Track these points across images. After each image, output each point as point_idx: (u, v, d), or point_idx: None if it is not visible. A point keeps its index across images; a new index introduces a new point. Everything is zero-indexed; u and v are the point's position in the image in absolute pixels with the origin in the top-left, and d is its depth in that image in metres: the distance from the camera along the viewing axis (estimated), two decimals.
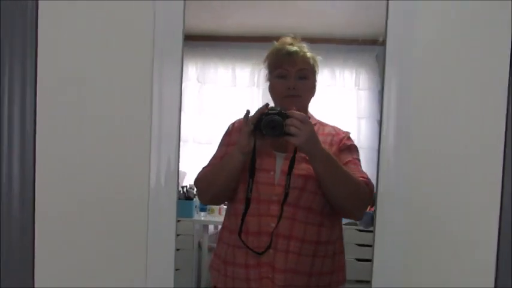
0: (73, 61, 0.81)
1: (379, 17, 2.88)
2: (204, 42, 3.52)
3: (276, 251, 1.20)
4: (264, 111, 1.20)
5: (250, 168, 1.23)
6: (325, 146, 1.27)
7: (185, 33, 3.76)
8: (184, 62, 3.52)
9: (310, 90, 1.40)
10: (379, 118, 3.58)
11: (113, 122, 0.84)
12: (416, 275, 0.80)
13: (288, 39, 1.39)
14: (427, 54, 0.84)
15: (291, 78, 1.33)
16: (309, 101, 1.41)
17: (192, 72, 3.59)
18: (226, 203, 1.46)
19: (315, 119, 1.43)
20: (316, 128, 1.28)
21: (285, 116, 1.17)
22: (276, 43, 1.41)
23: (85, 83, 0.80)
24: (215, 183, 1.33)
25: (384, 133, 0.90)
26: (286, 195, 1.22)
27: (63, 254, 0.84)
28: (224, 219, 1.38)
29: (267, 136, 1.19)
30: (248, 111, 1.23)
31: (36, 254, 0.80)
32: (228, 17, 3.16)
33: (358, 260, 2.95)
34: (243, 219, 1.22)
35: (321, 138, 1.25)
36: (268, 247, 1.19)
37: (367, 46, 3.59)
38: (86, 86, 0.80)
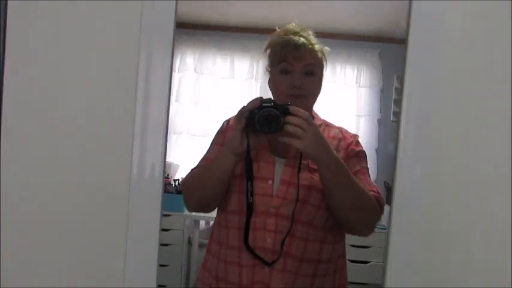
0: (49, 42, 0.72)
1: (386, 12, 2.80)
2: (202, 31, 3.44)
3: (272, 269, 1.05)
4: (257, 104, 1.01)
5: (247, 170, 1.05)
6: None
7: (183, 21, 3.64)
8: (182, 51, 3.45)
9: (317, 88, 1.17)
10: (379, 117, 3.51)
11: (93, 111, 0.75)
12: (431, 276, 0.74)
13: (294, 27, 1.17)
14: (451, 54, 0.76)
15: (296, 74, 1.11)
16: (315, 101, 1.18)
17: (190, 62, 3.50)
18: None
19: (320, 119, 1.22)
20: (321, 129, 1.11)
21: (284, 111, 1.00)
22: (279, 30, 1.19)
23: (62, 68, 0.70)
24: (202, 187, 1.15)
25: (402, 135, 0.81)
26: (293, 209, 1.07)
27: (37, 250, 0.75)
28: (213, 230, 1.21)
29: (262, 133, 1.01)
30: (244, 108, 1.03)
31: (2, 249, 0.72)
32: (229, 6, 3.06)
33: (352, 261, 2.91)
34: (247, 230, 1.05)
35: None
36: (266, 263, 1.05)
37: (370, 43, 3.52)
38: (62, 70, 0.70)
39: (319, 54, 1.16)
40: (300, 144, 0.98)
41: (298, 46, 1.11)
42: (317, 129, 1.01)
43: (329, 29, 3.18)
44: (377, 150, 3.48)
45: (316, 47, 1.15)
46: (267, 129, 1.00)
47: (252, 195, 1.05)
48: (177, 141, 3.49)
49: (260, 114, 0.99)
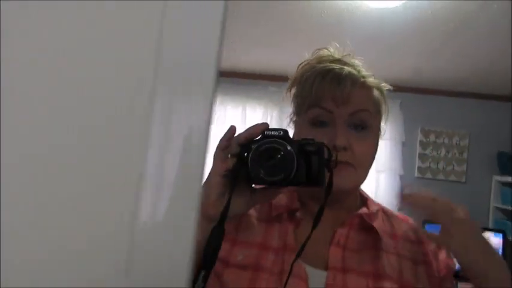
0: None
1: (406, 59, 2.60)
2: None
3: None
4: (256, 132, 0.59)
5: (207, 259, 0.54)
6: (407, 262, 0.70)
7: None
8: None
9: (372, 151, 0.71)
10: (401, 172, 3.21)
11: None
12: None
13: (332, 53, 0.75)
14: None
15: (339, 127, 0.67)
16: (367, 174, 0.71)
17: None
18: None
19: (376, 205, 0.77)
20: (378, 224, 0.71)
21: (302, 149, 0.58)
22: (310, 58, 0.75)
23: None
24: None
25: None
26: None
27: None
28: None
29: (258, 183, 0.58)
30: (233, 128, 0.61)
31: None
32: (241, 52, 2.90)
33: None
34: None
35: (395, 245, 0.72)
36: None
37: (390, 93, 3.30)
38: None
39: (376, 94, 0.71)
40: (455, 245, 0.58)
41: (340, 80, 0.67)
42: (473, 222, 0.61)
43: None
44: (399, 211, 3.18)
45: (371, 81, 0.71)
46: (268, 175, 0.55)
47: None
48: None
49: (258, 147, 0.56)
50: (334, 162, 0.59)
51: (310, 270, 0.66)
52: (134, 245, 0.33)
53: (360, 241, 0.69)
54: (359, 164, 0.67)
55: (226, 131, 0.59)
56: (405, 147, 3.24)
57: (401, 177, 3.21)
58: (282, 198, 0.72)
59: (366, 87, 0.70)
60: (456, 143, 3.25)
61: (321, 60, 0.73)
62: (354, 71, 0.70)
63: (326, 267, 0.67)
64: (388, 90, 0.74)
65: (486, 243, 0.61)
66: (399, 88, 3.25)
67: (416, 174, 3.21)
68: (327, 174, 0.59)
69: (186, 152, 0.34)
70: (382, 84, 0.73)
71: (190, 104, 0.35)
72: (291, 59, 2.86)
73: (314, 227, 0.59)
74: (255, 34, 2.50)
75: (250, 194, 0.60)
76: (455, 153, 3.25)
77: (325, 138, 0.64)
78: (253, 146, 0.57)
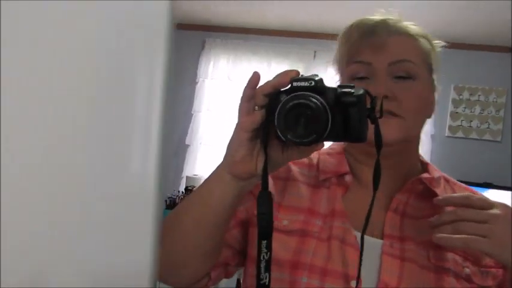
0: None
1: (443, 10, 2.43)
2: (237, 34, 3.19)
3: None
4: (285, 81, 0.51)
5: (261, 229, 0.52)
6: None
7: (216, 24, 3.39)
8: (216, 56, 3.16)
9: (422, 101, 0.65)
10: (432, 132, 3.10)
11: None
12: None
13: (382, 15, 0.68)
14: None
15: (381, 78, 0.62)
16: (422, 126, 0.67)
17: (223, 67, 3.25)
18: None
19: (437, 171, 0.71)
20: (441, 191, 0.66)
21: (339, 98, 0.51)
22: (351, 25, 0.69)
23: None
24: (175, 230, 0.60)
25: None
26: None
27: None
28: None
29: (289, 139, 0.50)
30: (257, 74, 0.53)
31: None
32: (266, 8, 2.79)
33: None
34: None
35: None
36: None
37: None
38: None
39: (422, 43, 0.65)
40: (488, 246, 0.53)
41: (374, 29, 0.63)
42: (510, 209, 0.57)
43: None
44: None
45: (413, 29, 0.65)
46: (297, 137, 0.49)
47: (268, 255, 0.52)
48: (203, 152, 3.24)
49: (285, 104, 0.49)
50: (379, 112, 0.53)
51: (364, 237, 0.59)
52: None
53: (420, 208, 0.65)
54: (406, 114, 0.61)
55: (249, 78, 0.53)
56: (437, 106, 3.11)
57: (432, 136, 3.10)
58: (329, 161, 0.68)
59: (406, 35, 0.64)
60: (493, 100, 3.08)
61: (363, 21, 0.67)
62: (390, 21, 0.64)
63: (381, 235, 0.63)
64: (443, 46, 0.68)
65: None
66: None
67: (447, 133, 3.09)
68: (371, 127, 0.53)
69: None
70: (437, 42, 0.66)
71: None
72: (313, 16, 2.71)
73: (375, 187, 0.54)
74: None
75: (282, 150, 0.54)
76: (491, 111, 3.09)
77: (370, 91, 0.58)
78: (282, 98, 0.49)
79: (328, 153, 0.71)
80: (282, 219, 0.64)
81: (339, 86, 0.52)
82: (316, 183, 0.67)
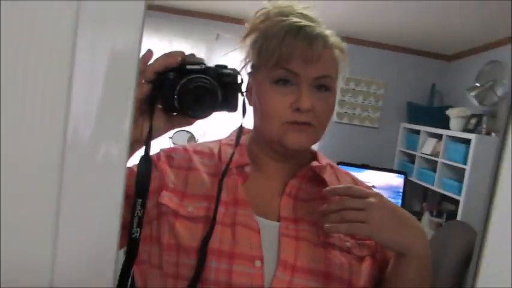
0: None
1: (336, 10, 2.66)
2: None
3: None
4: (173, 62, 0.58)
5: (139, 187, 0.57)
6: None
7: None
8: None
9: (332, 112, 0.71)
10: None
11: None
12: None
13: (291, 3, 0.72)
14: None
15: (304, 88, 0.66)
16: (324, 132, 0.72)
17: None
18: None
19: (324, 159, 0.80)
20: (328, 177, 0.75)
21: (220, 77, 0.61)
22: (269, 6, 0.72)
23: None
24: None
25: None
26: None
27: None
28: None
29: (185, 115, 0.60)
30: (150, 52, 0.59)
31: None
32: None
33: None
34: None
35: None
36: None
37: None
38: None
39: (337, 54, 0.70)
40: (366, 230, 0.62)
41: (312, 40, 0.65)
42: (383, 197, 0.65)
43: None
44: None
45: (335, 41, 0.69)
46: (197, 112, 0.58)
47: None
48: None
49: (185, 84, 0.57)
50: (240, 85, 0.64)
51: (262, 221, 0.68)
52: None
53: (311, 192, 0.73)
54: (319, 124, 0.68)
55: (142, 54, 0.57)
56: None
57: None
58: (230, 152, 0.71)
59: (331, 48, 0.68)
60: (373, 92, 3.47)
61: (282, 11, 0.69)
62: (323, 31, 0.68)
63: (278, 218, 0.69)
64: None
65: (404, 222, 0.65)
66: None
67: (335, 119, 3.40)
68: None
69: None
70: (344, 44, 0.71)
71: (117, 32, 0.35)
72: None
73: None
74: None
75: (167, 119, 0.61)
76: (371, 101, 3.48)
77: (289, 98, 0.66)
78: (171, 76, 0.57)
79: (229, 144, 0.76)
80: (186, 207, 0.67)
81: (216, 66, 0.62)
82: (217, 172, 0.70)
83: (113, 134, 0.34)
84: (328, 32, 0.69)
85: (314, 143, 0.71)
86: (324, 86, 0.68)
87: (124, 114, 0.34)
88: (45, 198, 0.32)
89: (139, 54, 0.36)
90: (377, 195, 0.65)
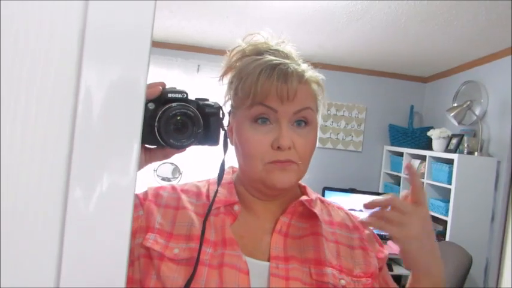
0: None
1: (314, 38, 2.72)
2: None
3: None
4: (157, 88, 0.58)
5: None
6: (345, 248, 0.73)
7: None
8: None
9: (313, 147, 0.70)
10: None
11: None
12: None
13: (267, 41, 0.72)
14: None
15: (284, 126, 0.66)
16: (307, 167, 0.70)
17: None
18: None
19: (314, 193, 0.78)
20: (318, 211, 0.73)
21: (203, 109, 0.60)
22: (244, 45, 0.72)
23: None
24: None
25: None
26: None
27: None
28: None
29: (171, 144, 0.57)
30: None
31: None
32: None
33: None
34: None
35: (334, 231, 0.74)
36: None
37: None
38: None
39: (315, 88, 0.70)
40: (401, 234, 0.61)
41: (287, 77, 0.65)
42: (429, 214, 0.64)
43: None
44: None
45: (311, 75, 0.69)
46: (178, 141, 0.56)
47: None
48: None
49: (166, 112, 0.55)
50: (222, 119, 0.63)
51: (252, 262, 0.65)
52: None
53: (301, 228, 0.71)
54: (302, 160, 0.66)
55: None
56: None
57: None
58: (220, 191, 0.69)
59: (307, 83, 0.67)
60: (355, 116, 3.51)
61: (257, 49, 0.70)
62: (298, 67, 0.67)
63: (268, 258, 0.67)
64: (323, 80, 0.73)
65: (434, 243, 0.65)
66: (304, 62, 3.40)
67: (318, 144, 3.41)
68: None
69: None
70: (321, 77, 0.71)
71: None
72: (198, 29, 2.76)
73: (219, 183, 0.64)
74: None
75: (145, 153, 0.59)
76: (354, 125, 3.51)
77: (269, 137, 0.65)
78: (150, 107, 0.55)
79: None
80: (173, 248, 0.65)
81: (197, 99, 0.61)
82: (205, 212, 0.67)
83: (120, 166, 0.33)
84: (303, 66, 0.69)
85: (299, 179, 0.69)
86: (303, 121, 0.67)
87: (132, 142, 0.34)
88: (48, 232, 0.31)
89: (145, 88, 0.36)
90: (425, 208, 0.64)
